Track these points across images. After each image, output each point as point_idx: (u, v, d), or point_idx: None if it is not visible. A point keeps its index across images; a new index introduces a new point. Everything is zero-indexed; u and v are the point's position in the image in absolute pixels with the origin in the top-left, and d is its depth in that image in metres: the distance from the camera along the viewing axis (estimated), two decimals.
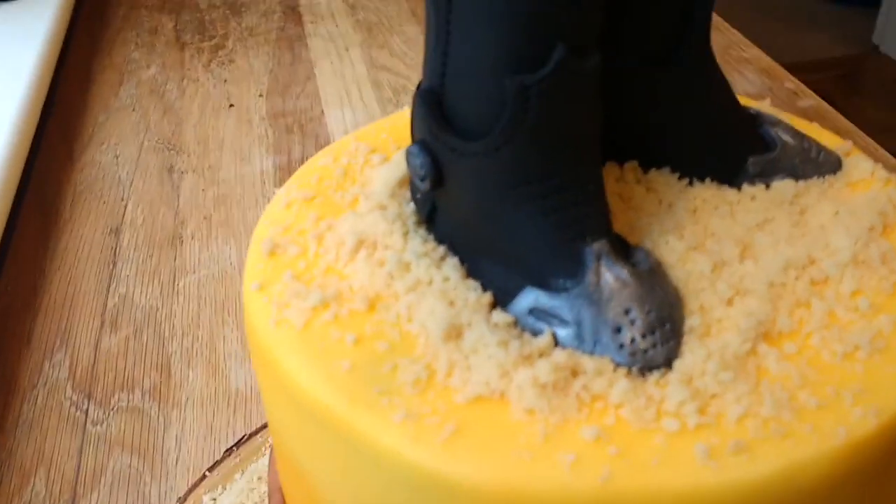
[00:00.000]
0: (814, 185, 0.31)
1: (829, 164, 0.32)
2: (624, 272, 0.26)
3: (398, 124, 0.37)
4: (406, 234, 0.30)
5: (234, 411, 0.53)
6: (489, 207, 0.26)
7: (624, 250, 0.27)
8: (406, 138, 0.35)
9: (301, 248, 0.30)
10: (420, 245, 0.29)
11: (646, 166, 0.31)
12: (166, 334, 0.59)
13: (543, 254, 0.26)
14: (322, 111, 0.90)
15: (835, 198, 0.30)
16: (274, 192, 0.77)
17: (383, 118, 0.38)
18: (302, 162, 0.82)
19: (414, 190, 0.30)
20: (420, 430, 0.24)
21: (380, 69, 0.96)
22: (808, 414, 0.23)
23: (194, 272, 0.65)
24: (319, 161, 0.35)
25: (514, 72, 0.24)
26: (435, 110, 0.26)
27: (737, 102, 0.31)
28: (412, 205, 0.31)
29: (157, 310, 0.62)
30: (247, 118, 0.86)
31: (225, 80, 0.92)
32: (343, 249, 0.30)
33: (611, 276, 0.25)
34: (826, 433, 0.23)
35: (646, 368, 0.25)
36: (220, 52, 0.98)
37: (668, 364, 0.25)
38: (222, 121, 0.85)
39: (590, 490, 0.22)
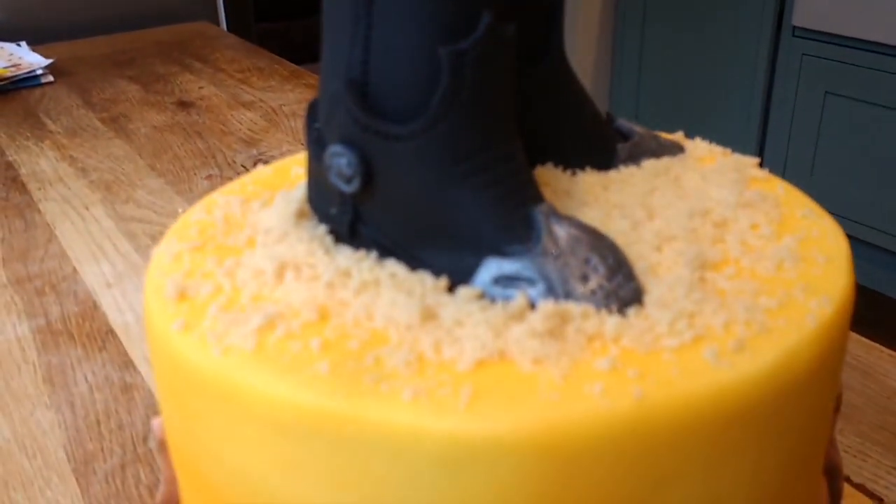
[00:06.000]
0: (674, 162, 0.34)
1: (676, 148, 0.35)
2: (573, 227, 0.26)
3: (260, 178, 0.36)
4: (328, 251, 0.28)
5: None
6: (431, 190, 0.26)
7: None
8: (279, 186, 0.34)
9: (215, 286, 0.28)
10: (350, 254, 0.28)
11: (530, 164, 0.33)
12: None
13: (494, 224, 0.26)
14: (74, 269, 0.83)
15: (695, 168, 0.34)
16: (36, 356, 0.69)
17: (235, 181, 0.36)
18: (64, 321, 0.75)
19: (328, 205, 0.29)
20: (436, 402, 0.22)
21: (129, 221, 0.91)
22: (776, 312, 0.25)
23: None
24: (192, 217, 0.32)
25: (445, 42, 0.25)
26: (360, 100, 0.26)
27: (591, 100, 0.34)
28: (322, 228, 0.29)
29: None
30: None
31: None
32: (264, 278, 0.28)
33: (563, 231, 0.26)
34: (800, 323, 0.25)
35: (622, 306, 0.25)
36: None
37: (639, 299, 0.25)
38: None
39: (628, 409, 0.22)
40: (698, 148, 0.36)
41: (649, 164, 0.33)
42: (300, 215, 0.31)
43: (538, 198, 0.27)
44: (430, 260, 0.27)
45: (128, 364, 0.66)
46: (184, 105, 1.21)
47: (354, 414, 0.22)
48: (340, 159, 0.27)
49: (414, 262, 0.27)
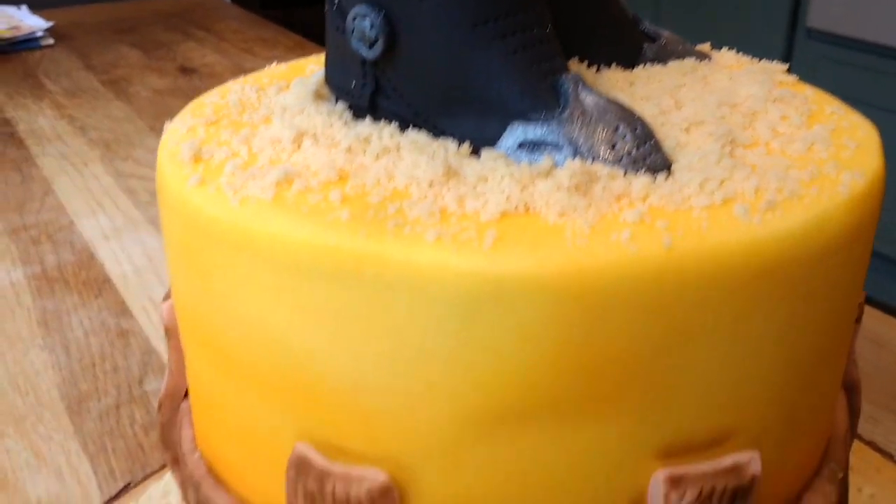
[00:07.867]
0: (701, 64, 0.33)
1: (702, 54, 0.35)
2: (601, 98, 0.26)
3: (275, 72, 0.35)
4: (347, 123, 0.28)
5: None
6: (456, 52, 0.25)
7: None
8: (293, 77, 0.33)
9: (231, 151, 0.27)
10: (370, 123, 0.27)
11: None
12: None
13: (520, 90, 0.25)
14: (71, 221, 0.82)
15: (723, 70, 0.33)
16: (31, 301, 0.68)
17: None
18: (60, 269, 0.73)
19: (348, 78, 0.28)
20: (460, 243, 0.21)
21: (129, 177, 0.90)
22: (808, 183, 0.24)
23: None
24: (206, 99, 0.32)
25: None
26: None
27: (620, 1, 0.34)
28: (341, 104, 0.29)
29: None
30: None
31: None
32: (281, 145, 0.27)
33: (591, 100, 0.25)
34: (832, 192, 0.24)
35: (650, 171, 0.24)
36: None
37: (667, 167, 0.25)
38: None
39: (657, 255, 0.21)
40: (725, 56, 0.35)
41: (675, 65, 0.33)
42: (318, 96, 0.30)
43: (565, 67, 0.26)
44: (452, 129, 0.26)
45: (124, 311, 0.65)
46: (186, 71, 1.20)
47: (376, 254, 0.21)
48: (364, 21, 0.26)
49: (436, 132, 0.26)
